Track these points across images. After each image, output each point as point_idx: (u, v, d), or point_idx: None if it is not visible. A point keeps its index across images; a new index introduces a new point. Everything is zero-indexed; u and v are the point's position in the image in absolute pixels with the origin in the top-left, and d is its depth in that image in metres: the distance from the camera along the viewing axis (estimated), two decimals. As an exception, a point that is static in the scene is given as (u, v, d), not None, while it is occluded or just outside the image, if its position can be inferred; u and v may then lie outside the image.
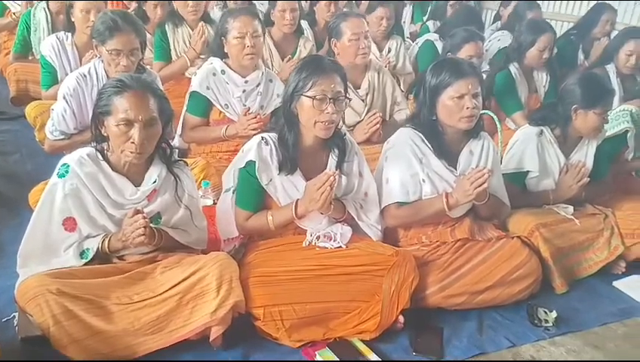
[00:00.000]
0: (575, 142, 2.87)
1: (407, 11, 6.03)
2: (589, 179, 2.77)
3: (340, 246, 2.31)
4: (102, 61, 2.86)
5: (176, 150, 2.33)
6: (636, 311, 2.52)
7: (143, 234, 2.00)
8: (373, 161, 2.70)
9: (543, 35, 3.65)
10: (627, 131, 2.99)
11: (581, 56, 4.64)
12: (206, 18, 3.98)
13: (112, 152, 2.10)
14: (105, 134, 2.08)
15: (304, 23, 4.38)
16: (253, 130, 2.90)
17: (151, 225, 2.09)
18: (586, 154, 2.86)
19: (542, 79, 3.82)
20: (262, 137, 2.33)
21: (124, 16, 2.81)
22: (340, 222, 2.40)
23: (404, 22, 5.88)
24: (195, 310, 2.03)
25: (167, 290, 2.04)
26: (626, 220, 2.78)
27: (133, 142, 2.01)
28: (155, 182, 2.15)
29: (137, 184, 2.14)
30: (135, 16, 3.05)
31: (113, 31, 2.73)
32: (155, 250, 2.19)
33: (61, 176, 2.06)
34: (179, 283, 2.04)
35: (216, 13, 4.56)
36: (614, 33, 4.46)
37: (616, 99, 3.62)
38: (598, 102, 2.71)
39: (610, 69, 3.88)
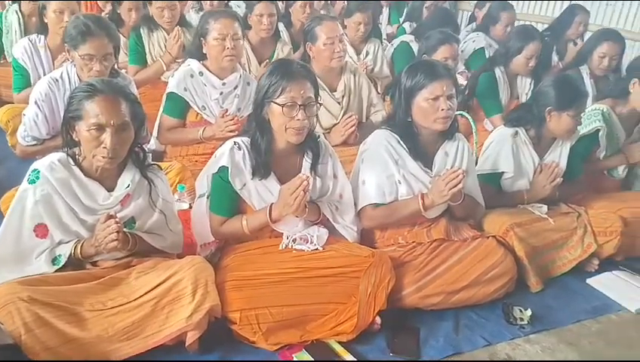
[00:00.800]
0: (549, 142, 2.90)
1: (384, 13, 6.05)
2: (562, 179, 2.80)
3: (317, 249, 2.30)
4: (74, 65, 2.83)
5: (150, 154, 2.30)
6: (609, 308, 2.56)
7: (116, 239, 1.98)
8: (350, 163, 2.71)
9: (531, 43, 3.65)
10: (599, 130, 3.03)
11: (555, 57, 4.68)
12: (182, 21, 3.94)
13: (84, 157, 2.08)
14: (76, 139, 2.05)
15: (280, 25, 4.38)
16: (231, 132, 2.89)
17: (125, 229, 2.07)
18: (559, 155, 2.89)
19: (525, 86, 3.82)
20: (234, 142, 2.32)
21: (96, 21, 2.77)
22: (316, 224, 2.40)
23: (380, 23, 5.90)
24: (171, 315, 2.01)
25: (142, 295, 2.02)
26: (598, 218, 2.82)
27: (105, 147, 1.99)
28: (128, 186, 2.12)
29: (110, 189, 2.12)
30: (108, 21, 3.00)
31: (85, 36, 2.68)
32: (130, 255, 2.17)
33: (31, 182, 2.03)
34: (154, 288, 2.03)
35: (192, 15, 4.53)
36: (587, 35, 4.52)
37: (589, 100, 3.68)
38: (571, 105, 2.74)
39: (584, 70, 3.92)
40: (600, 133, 3.03)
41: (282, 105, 2.19)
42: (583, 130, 3.00)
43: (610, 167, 3.14)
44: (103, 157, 2.00)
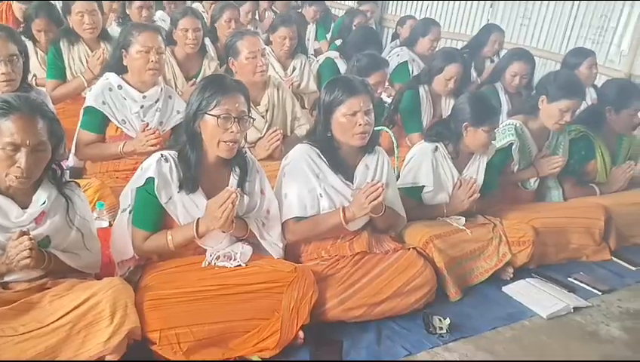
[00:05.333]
0: (467, 157, 3.01)
1: (311, 29, 6.13)
2: (479, 194, 2.91)
3: (240, 265, 2.29)
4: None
5: (68, 171, 2.22)
6: (523, 314, 2.67)
7: (29, 257, 1.91)
8: (274, 178, 2.71)
9: (452, 65, 3.75)
10: (512, 144, 3.17)
11: (474, 74, 4.88)
12: (104, 36, 3.83)
13: None
14: None
15: (206, 40, 4.35)
16: (152, 146, 2.84)
17: (40, 248, 1.99)
18: (477, 170, 3.01)
19: (449, 106, 3.85)
20: (161, 154, 2.29)
21: None
22: (241, 240, 2.39)
23: (308, 39, 5.98)
24: (88, 339, 1.95)
25: (56, 320, 1.94)
26: (512, 229, 2.96)
27: (19, 167, 1.90)
28: (43, 203, 2.04)
29: (24, 206, 2.02)
30: (10, 27, 2.89)
31: None
32: (44, 275, 2.09)
33: None
34: (70, 311, 1.95)
35: (114, 28, 4.42)
36: (503, 52, 4.74)
37: (505, 115, 3.86)
38: (485, 121, 2.86)
39: (499, 86, 4.11)
40: (513, 147, 3.17)
41: (217, 117, 2.19)
42: (498, 144, 3.14)
43: (523, 179, 3.29)
44: (17, 177, 1.91)
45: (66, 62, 3.71)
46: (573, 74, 3.53)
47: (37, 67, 3.78)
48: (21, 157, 1.90)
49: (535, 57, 4.23)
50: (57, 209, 2.08)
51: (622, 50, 5.15)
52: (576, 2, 5.42)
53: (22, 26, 4.04)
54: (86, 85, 3.62)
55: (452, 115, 3.02)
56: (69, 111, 3.54)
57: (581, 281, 2.97)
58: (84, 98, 3.36)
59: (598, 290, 2.91)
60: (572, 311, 2.70)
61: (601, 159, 3.46)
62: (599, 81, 4.33)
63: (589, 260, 3.19)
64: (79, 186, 2.22)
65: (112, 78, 3.00)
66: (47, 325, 1.93)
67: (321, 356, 2.22)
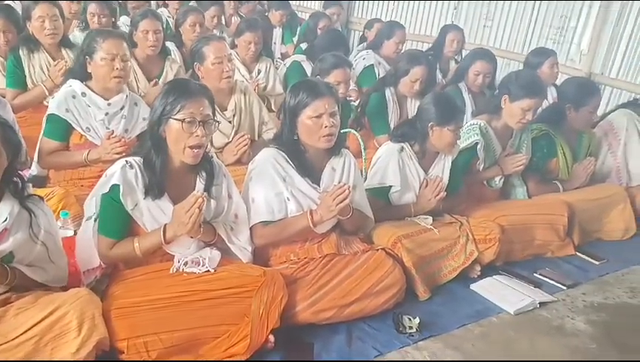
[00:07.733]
0: (433, 157, 3.05)
1: (277, 33, 6.14)
2: (445, 193, 2.95)
3: (208, 271, 2.28)
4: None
5: (31, 185, 2.16)
6: (491, 311, 2.71)
7: None
8: (242, 182, 2.71)
9: (417, 67, 3.78)
10: (477, 144, 3.21)
11: (439, 75, 4.94)
12: (66, 42, 3.77)
13: None
14: None
15: (171, 45, 4.33)
16: (117, 154, 2.80)
17: (3, 264, 1.95)
18: (442, 169, 3.05)
19: (415, 107, 3.82)
20: (126, 161, 2.27)
21: None
22: (209, 246, 2.38)
23: (275, 42, 5.98)
24: (55, 352, 1.92)
25: (22, 333, 1.91)
26: (479, 227, 3.00)
27: None
28: (5, 220, 1.97)
29: None
30: None
31: None
32: (8, 290, 2.04)
33: None
34: (36, 324, 1.92)
35: (76, 34, 4.34)
36: (466, 52, 4.81)
37: (469, 114, 3.92)
38: (451, 120, 2.90)
39: (462, 86, 4.18)
40: (478, 147, 3.21)
41: (182, 121, 2.18)
42: (463, 143, 3.18)
43: (488, 177, 3.34)
44: None
45: (26, 70, 3.64)
46: (534, 73, 3.62)
47: (-3, 73, 3.71)
48: None
49: (498, 58, 4.32)
50: (20, 224, 2.02)
51: (582, 49, 5.28)
52: (537, 3, 5.54)
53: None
54: (47, 94, 3.56)
55: (418, 115, 3.05)
56: (31, 119, 3.49)
57: (547, 277, 3.04)
58: (46, 106, 3.31)
59: (563, 285, 2.97)
60: (538, 306, 2.76)
61: (562, 156, 3.55)
62: (560, 80, 4.42)
63: (554, 256, 3.26)
64: (42, 200, 2.15)
65: (75, 85, 2.94)
66: (13, 339, 1.90)
67: (293, 359, 2.22)
